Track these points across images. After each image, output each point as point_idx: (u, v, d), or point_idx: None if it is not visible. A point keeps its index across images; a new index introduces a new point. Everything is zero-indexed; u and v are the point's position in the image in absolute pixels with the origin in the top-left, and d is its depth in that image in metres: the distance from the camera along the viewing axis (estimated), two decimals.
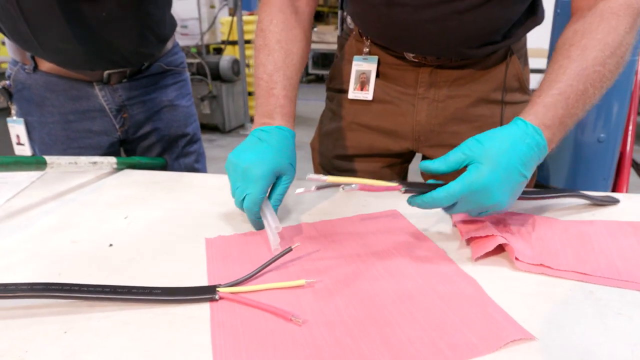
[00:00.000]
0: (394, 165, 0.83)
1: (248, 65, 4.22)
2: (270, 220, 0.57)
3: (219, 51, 4.76)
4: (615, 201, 0.67)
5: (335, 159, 0.84)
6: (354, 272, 0.51)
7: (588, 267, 0.50)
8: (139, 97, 0.95)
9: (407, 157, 0.84)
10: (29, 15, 0.76)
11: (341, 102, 0.82)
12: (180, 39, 3.74)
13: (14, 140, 0.90)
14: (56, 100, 0.89)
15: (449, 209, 0.53)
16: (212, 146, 3.93)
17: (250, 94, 4.46)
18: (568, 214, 0.64)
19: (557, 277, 0.49)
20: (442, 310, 0.44)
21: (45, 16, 0.77)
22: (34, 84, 0.88)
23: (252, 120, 4.48)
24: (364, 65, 0.77)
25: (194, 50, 4.33)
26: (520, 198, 0.60)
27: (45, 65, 0.88)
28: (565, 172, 1.37)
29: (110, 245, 0.59)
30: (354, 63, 0.77)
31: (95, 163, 0.80)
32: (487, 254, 0.52)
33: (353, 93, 0.78)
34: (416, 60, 0.73)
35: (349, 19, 0.79)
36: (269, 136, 0.61)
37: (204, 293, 0.47)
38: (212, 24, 4.42)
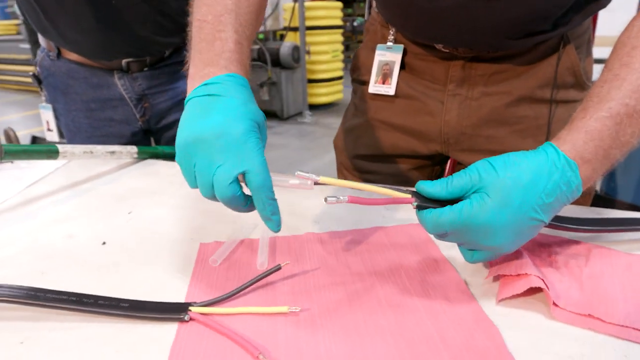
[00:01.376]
0: (423, 168, 0.73)
1: (308, 53, 4.18)
2: (263, 246, 0.51)
3: (282, 37, 4.76)
4: None
5: (356, 158, 0.75)
6: (350, 301, 0.43)
7: None
8: (160, 87, 0.93)
9: (438, 159, 0.73)
10: (44, 6, 0.76)
11: (363, 95, 0.73)
12: None
13: (44, 126, 0.91)
14: (78, 87, 0.89)
15: (438, 236, 0.42)
16: (269, 133, 3.93)
17: (310, 81, 4.43)
18: (637, 245, 0.51)
19: (609, 334, 0.38)
20: None
21: (57, 7, 0.76)
22: (58, 71, 0.88)
23: (310, 108, 4.45)
24: (387, 55, 0.67)
25: (261, 36, 4.34)
26: (563, 228, 0.49)
27: (67, 53, 0.88)
28: None
29: (104, 243, 0.56)
30: (377, 52, 0.68)
31: (113, 152, 0.78)
32: (518, 294, 0.42)
33: (374, 87, 0.68)
34: (446, 51, 0.62)
35: (375, 2, 0.70)
36: (222, 88, 0.42)
37: (174, 312, 0.42)
38: (275, 9, 4.41)
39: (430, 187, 0.41)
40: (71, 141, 0.93)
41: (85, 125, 0.91)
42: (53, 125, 0.90)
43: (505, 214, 0.38)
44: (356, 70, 0.75)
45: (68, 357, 0.38)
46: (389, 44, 0.67)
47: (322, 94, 4.60)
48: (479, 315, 0.41)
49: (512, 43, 0.57)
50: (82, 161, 0.84)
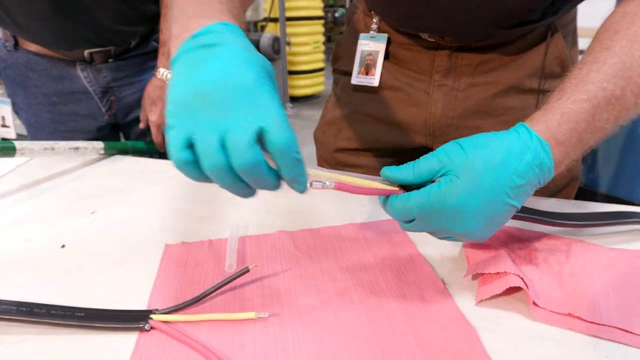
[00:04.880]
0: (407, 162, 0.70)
1: (289, 44, 4.12)
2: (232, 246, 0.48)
3: (262, 28, 4.68)
4: None
5: (337, 152, 0.73)
6: (323, 303, 0.41)
7: (636, 324, 0.36)
8: (127, 79, 0.88)
9: (421, 152, 0.71)
10: None
11: (346, 86, 0.70)
12: None
13: None
14: (38, 80, 0.84)
15: (406, 224, 0.40)
16: None
17: (290, 72, 4.37)
18: (618, 238, 0.50)
19: (589, 334, 0.36)
20: None
21: None
22: (15, 63, 0.83)
23: (290, 100, 4.41)
24: (370, 45, 0.64)
25: None
26: (543, 222, 0.47)
27: (25, 43, 0.83)
28: (621, 176, 1.14)
29: (63, 246, 0.53)
30: (359, 42, 0.65)
31: (77, 149, 0.74)
32: (498, 294, 0.40)
33: (357, 78, 0.66)
34: (432, 40, 0.59)
35: None
36: (218, 37, 0.35)
37: (134, 320, 0.39)
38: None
39: (397, 172, 0.38)
40: (34, 138, 0.89)
41: (47, 120, 0.86)
42: (10, 120, 0.85)
43: (476, 196, 0.36)
44: (338, 60, 0.72)
45: None
46: (372, 33, 0.64)
47: (303, 86, 4.55)
48: (456, 315, 0.39)
49: (501, 32, 0.55)
50: (44, 159, 0.79)
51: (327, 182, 0.36)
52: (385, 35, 0.64)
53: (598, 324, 0.37)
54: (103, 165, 0.78)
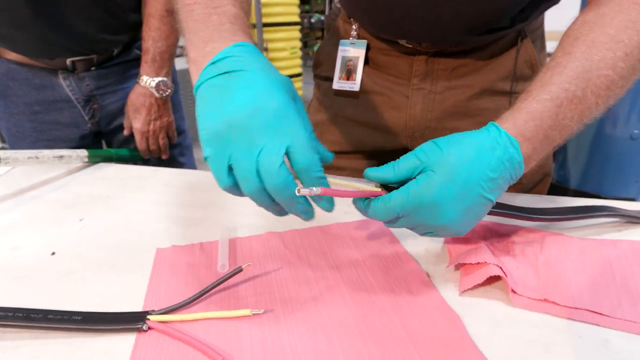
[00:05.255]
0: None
1: (266, 50, 4.13)
2: (223, 247, 0.50)
3: None
4: None
5: None
6: (314, 299, 0.43)
7: (605, 306, 0.40)
8: (110, 87, 0.88)
9: (403, 154, 0.73)
10: None
11: (327, 91, 0.72)
12: None
13: None
14: (19, 89, 0.83)
15: (389, 223, 0.42)
16: None
17: None
18: (589, 231, 0.53)
19: (565, 317, 0.39)
20: (410, 355, 0.35)
21: None
22: None
23: None
24: (351, 51, 0.67)
25: None
26: (519, 218, 0.50)
27: (6, 52, 0.82)
28: (589, 171, 1.20)
29: (53, 253, 0.53)
30: (340, 48, 0.67)
31: (61, 157, 0.74)
32: (479, 284, 0.43)
33: (338, 83, 0.68)
34: (410, 46, 0.62)
35: None
36: (236, 62, 0.37)
37: (131, 322, 0.40)
38: None
39: (379, 172, 0.41)
40: (15, 147, 0.88)
41: (29, 129, 0.85)
42: None
43: (452, 189, 0.38)
44: (319, 66, 0.75)
45: None
46: (352, 39, 0.66)
47: None
48: (441, 305, 0.41)
49: (473, 39, 0.59)
50: (27, 168, 0.79)
51: (314, 188, 0.37)
52: (365, 42, 0.66)
53: (571, 307, 0.40)
54: (87, 173, 0.78)
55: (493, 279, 0.43)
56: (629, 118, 1.13)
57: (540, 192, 0.69)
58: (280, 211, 0.39)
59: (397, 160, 0.41)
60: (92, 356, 0.37)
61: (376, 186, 0.42)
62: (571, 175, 1.22)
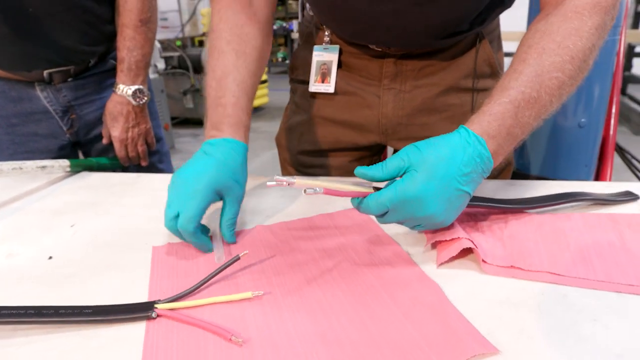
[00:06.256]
0: (363, 159, 0.79)
1: None
2: (218, 241, 0.55)
3: (201, 43, 4.65)
4: (635, 197, 0.59)
5: (300, 154, 0.79)
6: (308, 280, 0.47)
7: (562, 267, 0.46)
8: (87, 97, 0.90)
9: (376, 149, 0.79)
10: None
11: (304, 94, 0.77)
12: (160, 32, 3.65)
13: None
14: None
15: (380, 217, 0.48)
16: (196, 141, 3.86)
17: None
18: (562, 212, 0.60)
19: (528, 279, 0.45)
20: (399, 321, 0.40)
21: None
22: None
23: None
24: (324, 56, 0.72)
25: (178, 43, 4.22)
26: (495, 208, 0.56)
27: None
28: (545, 159, 1.31)
29: (50, 258, 0.54)
30: (314, 53, 0.72)
31: (44, 167, 0.75)
32: (454, 257, 0.48)
33: (314, 86, 0.73)
34: (379, 50, 0.68)
35: (308, 5, 0.74)
36: (214, 149, 0.56)
37: (140, 311, 0.43)
38: (193, 15, 4.31)
39: (369, 171, 0.47)
40: None
41: (6, 142, 0.85)
42: None
43: (433, 184, 0.44)
44: (295, 71, 0.79)
45: None
46: (325, 45, 0.71)
47: None
48: (422, 276, 0.46)
49: (436, 42, 0.65)
50: (6, 180, 0.79)
51: (317, 189, 0.44)
52: (337, 47, 0.71)
53: (534, 271, 0.45)
54: (70, 183, 0.79)
55: (465, 252, 0.49)
56: (576, 109, 1.24)
57: (504, 178, 0.76)
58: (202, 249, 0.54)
59: (385, 161, 0.47)
60: (104, 344, 0.40)
61: (367, 187, 0.47)
62: (530, 163, 1.33)
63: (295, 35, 5.15)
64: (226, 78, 0.59)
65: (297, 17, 5.97)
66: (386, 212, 0.47)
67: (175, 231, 0.53)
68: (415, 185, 0.44)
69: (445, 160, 0.45)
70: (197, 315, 0.42)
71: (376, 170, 0.47)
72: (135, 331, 0.41)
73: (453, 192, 0.45)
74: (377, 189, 0.47)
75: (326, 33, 0.71)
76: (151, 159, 0.99)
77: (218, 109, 0.58)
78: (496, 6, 0.65)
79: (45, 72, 0.84)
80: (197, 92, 3.97)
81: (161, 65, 3.67)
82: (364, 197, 0.47)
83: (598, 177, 1.35)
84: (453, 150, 0.45)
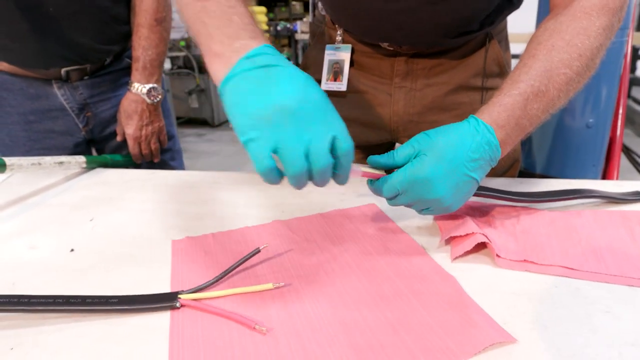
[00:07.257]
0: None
1: None
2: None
3: None
4: None
5: None
6: (327, 273, 0.48)
7: (574, 262, 0.47)
8: (103, 95, 0.91)
9: (387, 147, 0.80)
10: None
11: None
12: None
13: None
14: (13, 100, 0.85)
15: (391, 200, 0.50)
16: (201, 140, 3.88)
17: None
18: (572, 209, 0.61)
19: (541, 273, 0.46)
20: (418, 311, 0.41)
21: None
22: None
23: None
24: (337, 55, 0.73)
25: (182, 43, 4.25)
26: (499, 198, 0.57)
27: None
28: (553, 158, 1.33)
29: (72, 250, 0.56)
30: (326, 52, 0.74)
31: (61, 163, 0.76)
32: (468, 252, 0.49)
33: (326, 84, 0.74)
34: (391, 49, 0.69)
35: (320, 5, 0.76)
36: (273, 59, 0.41)
37: (165, 301, 0.44)
38: None
39: (381, 158, 0.49)
40: (7, 156, 0.89)
41: (23, 138, 0.87)
42: None
43: (441, 167, 0.46)
44: (307, 70, 0.80)
45: (62, 357, 0.38)
46: (337, 44, 0.73)
47: None
48: (438, 269, 0.47)
49: (447, 41, 0.66)
50: (24, 175, 0.81)
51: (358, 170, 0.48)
52: (350, 46, 0.73)
53: (547, 265, 0.47)
54: (86, 178, 0.80)
55: (479, 247, 0.50)
56: (584, 109, 1.25)
57: (511, 176, 0.77)
58: (303, 187, 0.42)
59: (396, 149, 0.49)
60: (132, 331, 0.41)
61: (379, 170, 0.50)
62: (537, 162, 1.35)
63: (299, 36, 5.16)
64: (238, 4, 0.46)
65: (301, 19, 5.99)
66: (397, 195, 0.49)
67: (328, 168, 0.40)
68: (424, 167, 0.46)
69: (454, 145, 0.47)
70: (219, 305, 0.44)
71: (388, 157, 0.49)
72: (160, 320, 0.42)
73: (461, 177, 0.47)
74: (387, 172, 0.49)
75: (338, 32, 0.73)
76: (163, 156, 1.00)
77: (233, 18, 0.44)
78: (505, 7, 0.66)
79: (63, 70, 0.86)
80: (202, 92, 3.99)
81: (167, 65, 3.70)
82: (377, 179, 0.49)
83: (605, 176, 1.36)
84: (462, 136, 0.47)
